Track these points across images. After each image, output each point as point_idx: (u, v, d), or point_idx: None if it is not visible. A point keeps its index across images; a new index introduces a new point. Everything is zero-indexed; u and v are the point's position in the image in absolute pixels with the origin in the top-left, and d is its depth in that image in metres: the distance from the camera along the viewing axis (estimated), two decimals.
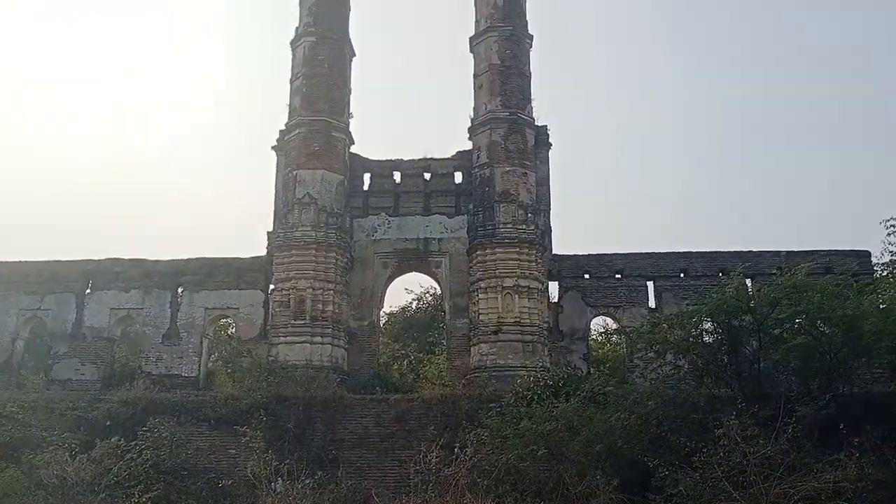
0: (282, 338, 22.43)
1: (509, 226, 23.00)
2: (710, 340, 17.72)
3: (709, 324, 17.59)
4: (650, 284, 24.15)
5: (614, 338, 27.23)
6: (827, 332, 15.98)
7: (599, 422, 15.27)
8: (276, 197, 25.16)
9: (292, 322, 22.45)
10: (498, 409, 17.37)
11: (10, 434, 17.58)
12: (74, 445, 16.70)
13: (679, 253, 24.30)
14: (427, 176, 25.31)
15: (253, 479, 15.87)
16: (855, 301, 16.00)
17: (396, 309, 34.96)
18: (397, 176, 25.45)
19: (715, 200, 68.01)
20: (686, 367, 17.20)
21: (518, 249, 22.74)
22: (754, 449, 13.21)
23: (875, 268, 20.76)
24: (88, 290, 24.64)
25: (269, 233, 24.50)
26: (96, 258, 24.90)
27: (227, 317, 24.92)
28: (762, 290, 17.12)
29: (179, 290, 24.37)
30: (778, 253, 23.38)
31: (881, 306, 16.51)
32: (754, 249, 23.94)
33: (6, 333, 24.19)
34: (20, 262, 24.93)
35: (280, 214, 24.34)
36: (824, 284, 16.18)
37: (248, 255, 24.66)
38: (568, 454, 15.22)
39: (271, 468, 15.87)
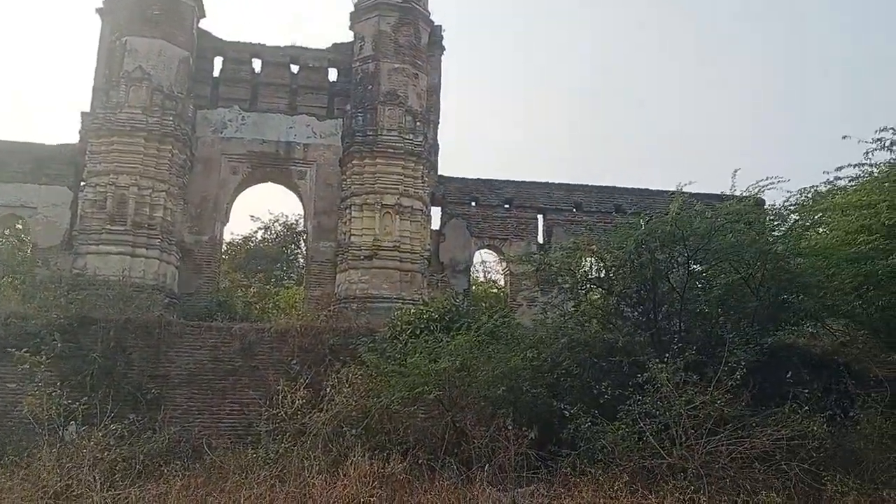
0: (92, 246, 17.55)
1: (394, 133, 19.31)
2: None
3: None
4: (540, 217, 21.61)
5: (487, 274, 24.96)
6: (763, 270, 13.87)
7: (501, 361, 12.53)
8: (96, 72, 19.76)
9: (108, 227, 17.63)
10: (370, 345, 14.16)
11: None
12: None
13: (574, 185, 21.87)
14: (295, 68, 20.97)
15: (33, 423, 11.44)
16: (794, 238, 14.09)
17: (238, 238, 30.56)
18: (257, 64, 20.91)
19: (618, 136, 65.15)
20: (601, 302, 14.58)
21: (403, 162, 19.18)
22: (686, 399, 10.93)
23: None
24: None
25: (83, 114, 19.18)
26: None
27: (20, 217, 19.41)
28: (693, 218, 14.72)
29: None
30: (682, 193, 21.40)
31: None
32: (652, 188, 21.92)
33: None
34: None
35: (100, 92, 19.06)
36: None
37: (54, 143, 19.32)
38: (461, 399, 12.37)
39: (61, 409, 11.47)
